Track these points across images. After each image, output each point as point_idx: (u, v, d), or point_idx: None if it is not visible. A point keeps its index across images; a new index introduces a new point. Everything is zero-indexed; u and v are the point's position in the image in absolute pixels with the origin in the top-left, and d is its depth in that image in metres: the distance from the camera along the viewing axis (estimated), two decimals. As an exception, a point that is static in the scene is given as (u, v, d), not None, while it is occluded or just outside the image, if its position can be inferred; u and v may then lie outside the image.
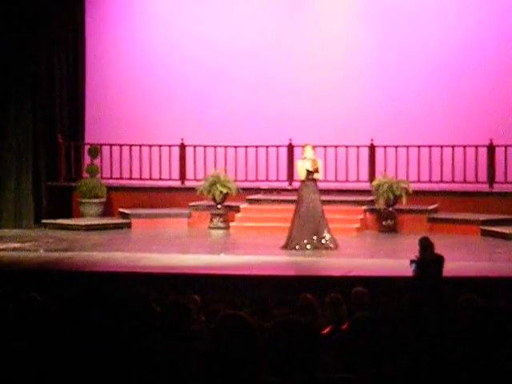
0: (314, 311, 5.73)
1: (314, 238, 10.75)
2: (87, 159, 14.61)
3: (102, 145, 14.70)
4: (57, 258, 10.34)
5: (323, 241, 10.75)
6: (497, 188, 13.55)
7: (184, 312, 4.46)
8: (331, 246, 10.76)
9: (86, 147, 14.79)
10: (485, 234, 12.19)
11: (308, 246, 10.74)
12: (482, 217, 12.63)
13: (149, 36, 15.43)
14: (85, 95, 15.35)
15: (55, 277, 8.70)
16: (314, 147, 11.11)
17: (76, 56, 15.20)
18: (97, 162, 14.52)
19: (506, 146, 13.56)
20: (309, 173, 10.82)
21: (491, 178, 13.65)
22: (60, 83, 15.02)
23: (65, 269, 9.49)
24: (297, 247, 10.80)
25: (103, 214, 14.07)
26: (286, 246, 10.93)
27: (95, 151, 14.46)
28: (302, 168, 10.89)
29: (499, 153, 13.63)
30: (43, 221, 13.71)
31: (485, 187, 13.60)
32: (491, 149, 13.67)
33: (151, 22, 15.45)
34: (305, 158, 10.91)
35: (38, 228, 13.50)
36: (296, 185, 14.32)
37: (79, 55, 15.21)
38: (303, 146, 11.16)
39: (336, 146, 13.79)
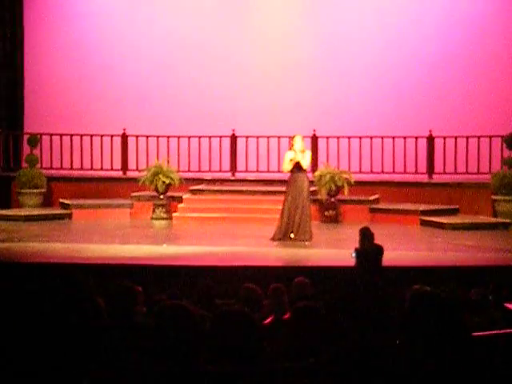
0: (258, 301, 5.75)
1: (297, 229, 10.54)
2: (26, 149, 14.36)
3: (41, 134, 14.46)
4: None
5: (295, 236, 10.57)
6: (436, 179, 13.81)
7: (129, 297, 4.42)
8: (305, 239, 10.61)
9: (26, 137, 14.54)
10: (424, 223, 12.40)
11: (291, 236, 10.58)
12: (422, 207, 12.85)
13: (89, 25, 15.22)
14: (23, 84, 15.07)
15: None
16: (303, 138, 10.79)
17: (14, 44, 14.90)
18: (36, 151, 14.27)
19: (444, 138, 13.82)
20: (295, 164, 10.48)
21: (430, 169, 13.91)
22: (-2, 71, 14.70)
23: (2, 259, 9.31)
24: (279, 238, 10.64)
25: (43, 205, 13.86)
26: (273, 238, 10.71)
27: (35, 141, 14.22)
28: (286, 159, 10.63)
29: (438, 144, 13.89)
30: (-19, 211, 13.43)
31: (424, 178, 13.85)
32: (430, 140, 13.92)
33: (90, 12, 15.24)
34: (297, 149, 10.48)
35: (-25, 219, 13.22)
36: (239, 176, 14.37)
37: (17, 43, 14.91)
38: (292, 137, 10.74)
39: (279, 137, 13.85)
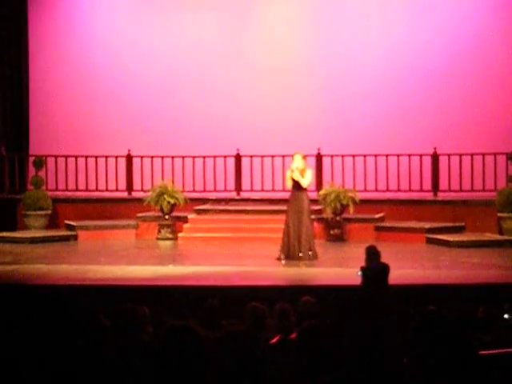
0: (263, 321, 5.73)
1: (299, 249, 10.54)
2: (32, 171, 14.41)
3: (46, 156, 14.50)
4: (0, 271, 10.14)
5: (300, 254, 10.58)
6: (441, 196, 13.79)
7: (133, 319, 4.42)
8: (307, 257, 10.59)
9: (31, 159, 14.58)
10: (430, 241, 12.37)
11: (300, 254, 10.57)
12: (427, 225, 12.81)
13: (93, 46, 15.31)
14: (29, 106, 15.14)
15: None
16: (304, 156, 10.88)
17: (19, 67, 15.00)
18: (42, 173, 14.31)
19: (449, 155, 13.81)
20: (295, 182, 10.58)
21: (435, 187, 13.90)
22: (3, 94, 14.78)
23: (9, 282, 9.31)
24: (283, 257, 10.65)
25: (49, 227, 13.87)
26: (279, 258, 10.71)
27: (40, 163, 14.26)
28: (287, 177, 10.73)
29: (443, 161, 13.89)
30: (-13, 234, 13.44)
31: (429, 195, 13.83)
32: (435, 158, 13.91)
33: (95, 34, 15.34)
34: (294, 167, 10.55)
35: (-19, 241, 13.22)
36: (244, 195, 14.38)
37: (22, 66, 15.01)
38: (292, 155, 10.87)
39: (283, 156, 13.87)
